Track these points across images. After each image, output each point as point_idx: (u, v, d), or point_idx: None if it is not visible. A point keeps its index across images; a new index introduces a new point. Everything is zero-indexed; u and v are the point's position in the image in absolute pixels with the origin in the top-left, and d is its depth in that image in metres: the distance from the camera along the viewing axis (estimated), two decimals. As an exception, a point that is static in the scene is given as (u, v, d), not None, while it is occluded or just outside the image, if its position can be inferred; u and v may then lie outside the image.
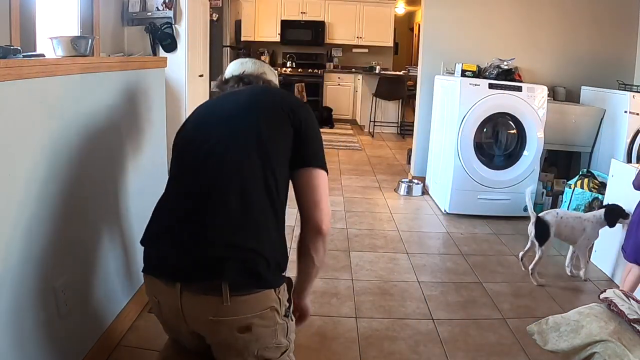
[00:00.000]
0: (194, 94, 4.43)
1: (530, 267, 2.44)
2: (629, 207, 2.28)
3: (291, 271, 1.28)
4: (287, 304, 1.22)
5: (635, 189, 2.10)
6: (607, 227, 2.40)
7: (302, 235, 1.27)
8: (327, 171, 1.28)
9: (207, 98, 4.94)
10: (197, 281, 1.11)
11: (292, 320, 1.26)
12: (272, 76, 1.55)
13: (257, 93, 1.38)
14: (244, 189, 1.16)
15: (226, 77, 1.50)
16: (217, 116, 1.31)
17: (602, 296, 1.45)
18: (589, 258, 2.63)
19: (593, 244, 2.57)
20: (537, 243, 2.44)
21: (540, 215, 2.51)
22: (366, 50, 8.29)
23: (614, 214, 2.38)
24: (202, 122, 1.32)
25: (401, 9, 8.84)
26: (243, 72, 1.48)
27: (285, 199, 1.26)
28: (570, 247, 2.55)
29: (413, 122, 4.48)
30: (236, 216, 1.14)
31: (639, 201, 2.12)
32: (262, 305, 1.12)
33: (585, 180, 3.11)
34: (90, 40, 1.76)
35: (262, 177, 1.17)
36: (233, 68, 1.52)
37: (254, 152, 1.18)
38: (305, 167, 1.24)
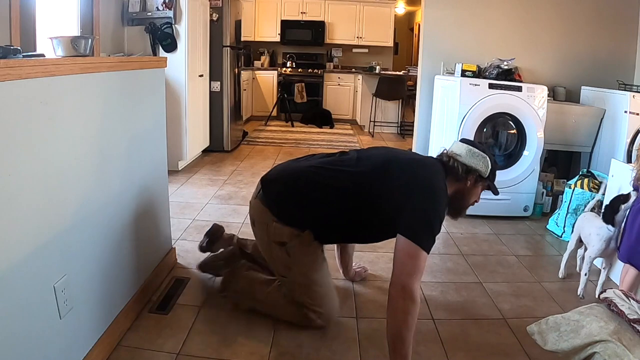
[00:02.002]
0: (194, 94, 4.43)
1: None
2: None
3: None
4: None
5: (635, 190, 2.10)
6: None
7: None
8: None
9: (207, 98, 4.96)
10: None
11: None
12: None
13: None
14: None
15: None
16: None
17: (602, 296, 1.45)
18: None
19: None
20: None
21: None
22: (366, 50, 8.30)
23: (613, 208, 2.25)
24: None
25: (401, 9, 8.84)
26: None
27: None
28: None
29: (413, 122, 4.48)
30: None
31: (632, 201, 2.12)
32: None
33: (585, 180, 3.11)
34: (90, 40, 1.77)
35: None
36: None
37: None
38: None
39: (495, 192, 1.88)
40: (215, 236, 2.34)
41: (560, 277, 2.52)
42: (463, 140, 1.88)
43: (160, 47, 4.12)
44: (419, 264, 1.56)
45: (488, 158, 1.80)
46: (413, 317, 1.55)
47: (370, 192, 1.71)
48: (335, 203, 1.75)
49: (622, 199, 2.23)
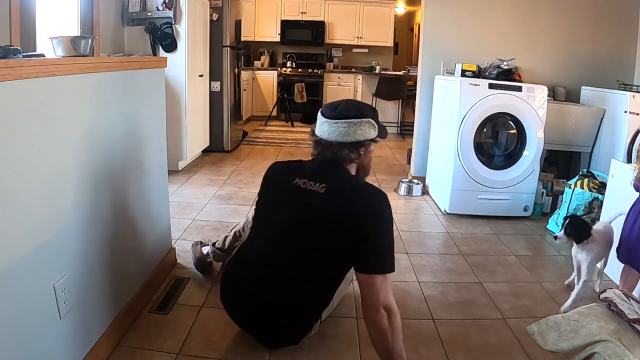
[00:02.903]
0: (194, 94, 4.43)
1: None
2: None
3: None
4: None
5: (636, 190, 2.10)
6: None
7: None
8: None
9: (207, 98, 4.96)
10: None
11: None
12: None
13: None
14: None
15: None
16: None
17: (602, 296, 1.45)
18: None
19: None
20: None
21: None
22: (366, 50, 8.29)
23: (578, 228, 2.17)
24: None
25: (401, 9, 8.84)
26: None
27: None
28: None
29: (413, 122, 4.48)
30: None
31: (633, 202, 2.12)
32: None
33: (585, 180, 3.11)
34: (90, 40, 1.77)
35: None
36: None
37: None
38: None
39: (384, 136, 1.71)
40: (203, 266, 2.34)
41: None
42: (327, 114, 1.62)
43: (160, 47, 4.12)
44: (390, 282, 1.53)
45: (369, 119, 1.62)
46: (400, 326, 1.54)
47: (321, 255, 1.60)
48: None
49: (586, 225, 2.21)
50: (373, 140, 1.67)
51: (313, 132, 1.67)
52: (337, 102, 1.69)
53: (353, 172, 1.71)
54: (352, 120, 1.58)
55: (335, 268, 1.66)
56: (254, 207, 1.85)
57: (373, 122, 1.63)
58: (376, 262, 1.51)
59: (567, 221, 2.20)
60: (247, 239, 1.87)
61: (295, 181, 1.64)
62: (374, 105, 6.91)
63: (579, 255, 2.20)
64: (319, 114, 1.65)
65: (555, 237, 2.19)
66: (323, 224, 1.57)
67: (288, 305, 1.65)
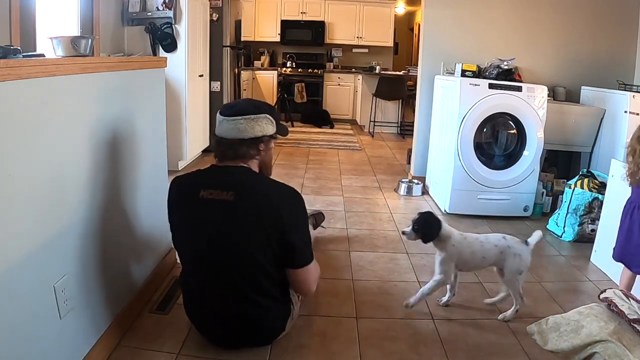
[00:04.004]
0: (194, 94, 4.43)
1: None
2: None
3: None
4: None
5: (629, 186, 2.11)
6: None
7: None
8: None
9: (207, 98, 4.96)
10: None
11: None
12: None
13: None
14: None
15: None
16: None
17: (602, 296, 1.45)
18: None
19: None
20: None
21: None
22: (366, 50, 8.30)
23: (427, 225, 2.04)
24: None
25: (401, 9, 8.84)
26: None
27: None
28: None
29: (413, 122, 4.48)
30: None
31: (626, 201, 2.13)
32: None
33: (585, 180, 3.10)
34: (90, 40, 1.77)
35: None
36: None
37: None
38: None
39: (284, 133, 1.78)
40: None
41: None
42: (225, 112, 1.63)
43: (160, 47, 4.12)
44: (313, 268, 1.72)
45: (266, 115, 1.64)
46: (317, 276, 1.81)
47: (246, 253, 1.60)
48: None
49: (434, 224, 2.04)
50: (272, 137, 1.70)
51: (214, 133, 1.67)
52: (236, 101, 1.78)
53: (257, 170, 1.70)
54: (249, 116, 1.60)
55: (269, 264, 1.63)
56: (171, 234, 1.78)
57: (270, 117, 1.65)
58: (297, 257, 1.64)
59: (417, 217, 2.06)
60: (181, 271, 1.79)
61: (200, 194, 1.59)
62: (374, 105, 6.92)
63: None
64: (218, 113, 1.65)
65: (403, 233, 2.08)
66: (239, 230, 1.57)
67: (247, 304, 1.64)
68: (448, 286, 2.16)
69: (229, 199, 1.56)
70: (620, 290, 1.45)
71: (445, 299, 2.17)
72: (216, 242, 1.59)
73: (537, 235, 2.07)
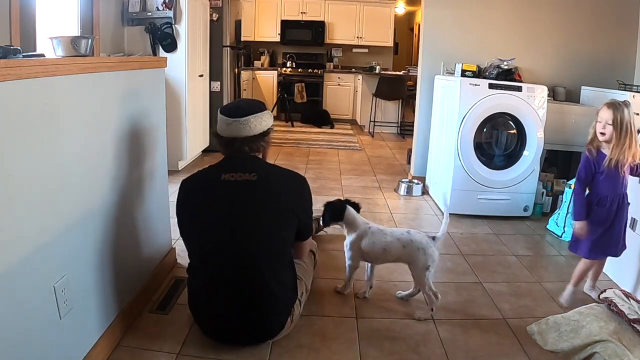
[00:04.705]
0: (194, 94, 4.43)
1: None
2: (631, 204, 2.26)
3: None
4: None
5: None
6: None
7: None
8: None
9: (207, 98, 4.95)
10: None
11: None
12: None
13: None
14: None
15: None
16: None
17: (602, 296, 1.45)
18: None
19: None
20: None
21: None
22: (366, 50, 8.30)
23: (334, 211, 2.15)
24: None
25: (401, 9, 8.84)
26: None
27: None
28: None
29: (413, 122, 4.48)
30: None
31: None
32: None
33: (585, 180, 3.10)
34: (90, 40, 1.77)
35: None
36: None
37: None
38: None
39: None
40: None
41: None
42: (234, 115, 1.72)
43: (160, 47, 4.12)
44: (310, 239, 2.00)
45: (267, 111, 1.81)
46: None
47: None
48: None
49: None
50: (271, 129, 1.86)
51: (219, 135, 1.76)
52: (237, 102, 2.04)
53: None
54: (257, 114, 1.75)
55: (281, 240, 1.76)
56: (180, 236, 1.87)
57: (270, 112, 1.84)
58: (305, 233, 1.89)
59: (327, 205, 2.20)
60: (189, 267, 1.84)
61: (223, 177, 1.71)
62: (374, 105, 6.93)
63: None
64: (222, 117, 1.74)
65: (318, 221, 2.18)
66: (262, 208, 1.71)
67: (263, 293, 1.70)
68: (365, 280, 2.23)
69: (251, 179, 1.69)
70: (621, 290, 1.46)
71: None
72: (240, 221, 1.67)
73: (443, 229, 2.09)
